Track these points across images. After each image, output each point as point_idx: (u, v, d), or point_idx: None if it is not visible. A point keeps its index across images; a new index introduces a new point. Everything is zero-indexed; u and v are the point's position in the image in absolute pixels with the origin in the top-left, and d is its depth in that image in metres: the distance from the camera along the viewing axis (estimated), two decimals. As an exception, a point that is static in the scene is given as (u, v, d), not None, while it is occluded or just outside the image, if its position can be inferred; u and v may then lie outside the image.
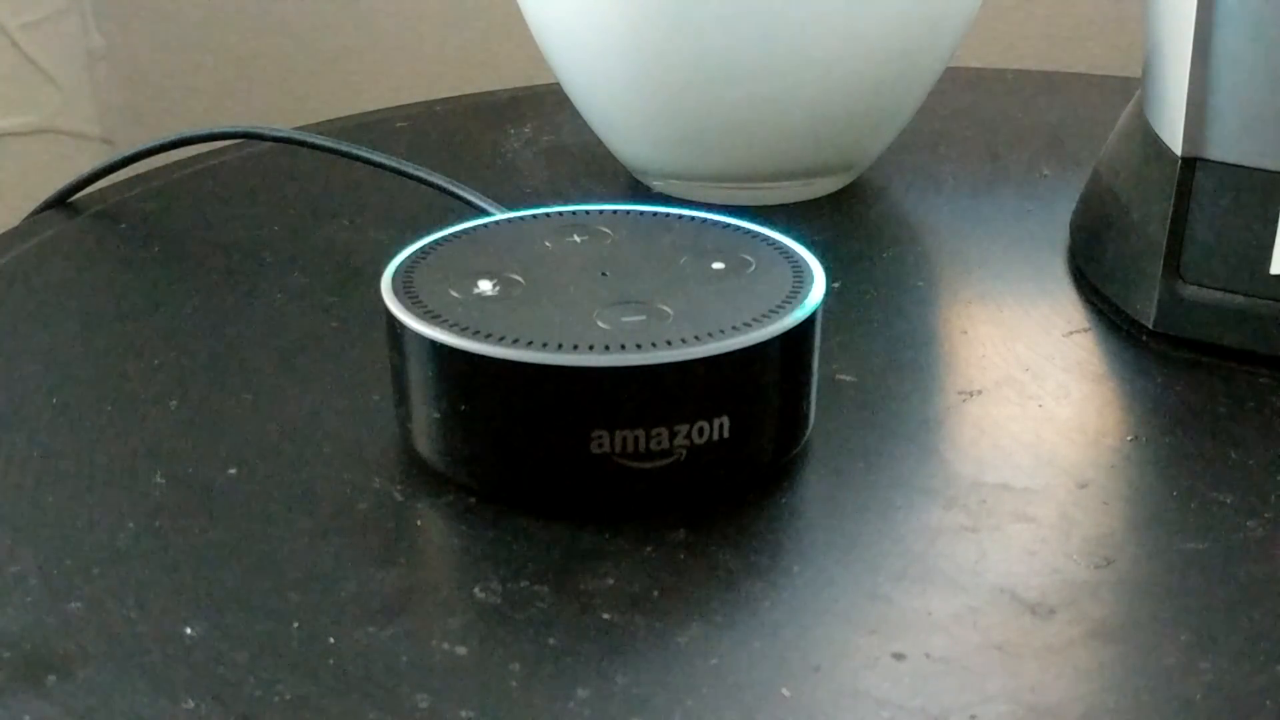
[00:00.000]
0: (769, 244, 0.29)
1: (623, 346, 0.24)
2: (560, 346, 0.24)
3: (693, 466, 0.25)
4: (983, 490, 0.27)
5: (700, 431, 0.25)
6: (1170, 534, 0.25)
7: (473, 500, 0.26)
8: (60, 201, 0.42)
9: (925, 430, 0.29)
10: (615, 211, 0.30)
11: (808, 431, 0.28)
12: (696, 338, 0.24)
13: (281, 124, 0.43)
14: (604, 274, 0.27)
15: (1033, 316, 0.34)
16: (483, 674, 0.21)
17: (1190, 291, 0.32)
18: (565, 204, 0.31)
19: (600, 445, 0.24)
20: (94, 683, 0.21)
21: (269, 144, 0.46)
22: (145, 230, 0.41)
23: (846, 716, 0.21)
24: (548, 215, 0.30)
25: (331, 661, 0.22)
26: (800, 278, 0.27)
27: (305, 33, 0.72)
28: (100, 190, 0.43)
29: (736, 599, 0.23)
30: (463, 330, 0.25)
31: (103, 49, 0.72)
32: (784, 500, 0.26)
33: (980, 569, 0.24)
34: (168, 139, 0.42)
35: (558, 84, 0.44)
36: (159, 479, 0.27)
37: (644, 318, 0.25)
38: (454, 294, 0.26)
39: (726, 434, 0.25)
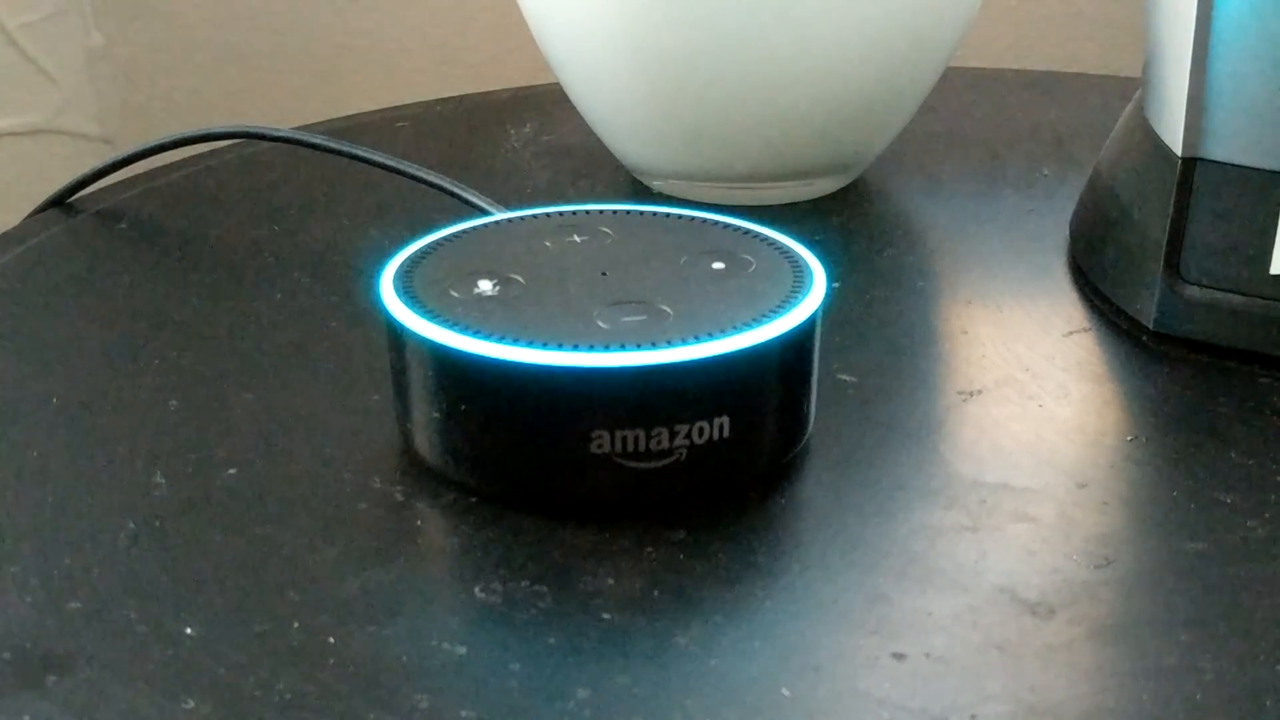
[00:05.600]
0: (769, 244, 0.29)
1: (623, 346, 0.24)
2: (560, 346, 0.24)
3: (693, 466, 0.25)
4: (983, 490, 0.27)
5: (700, 431, 0.25)
6: (1170, 534, 0.25)
7: (473, 500, 0.26)
8: (60, 201, 0.42)
9: (925, 430, 0.29)
10: (615, 211, 0.30)
11: (808, 431, 0.28)
12: (696, 338, 0.24)
13: (281, 124, 0.43)
14: (604, 274, 0.27)
15: (1033, 316, 0.34)
16: (483, 674, 0.21)
17: (1190, 291, 0.32)
18: (565, 204, 0.31)
19: (600, 445, 0.24)
20: (94, 683, 0.21)
21: (269, 144, 0.46)
22: (145, 230, 0.41)
23: (846, 716, 0.21)
24: (548, 215, 0.30)
25: (331, 661, 0.22)
26: (800, 278, 0.27)
27: (305, 33, 0.72)
28: (100, 190, 0.43)
29: (736, 599, 0.23)
30: (463, 330, 0.25)
31: (103, 49, 0.72)
32: (784, 500, 0.26)
33: (980, 569, 0.24)
34: (168, 139, 0.42)
35: (558, 84, 0.44)
36: (159, 479, 0.27)
37: (644, 318, 0.25)
38: (454, 294, 0.26)
39: (726, 434, 0.25)
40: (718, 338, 0.24)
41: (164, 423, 0.29)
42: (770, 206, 0.42)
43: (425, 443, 0.26)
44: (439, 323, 0.25)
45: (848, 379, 0.31)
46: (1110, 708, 0.21)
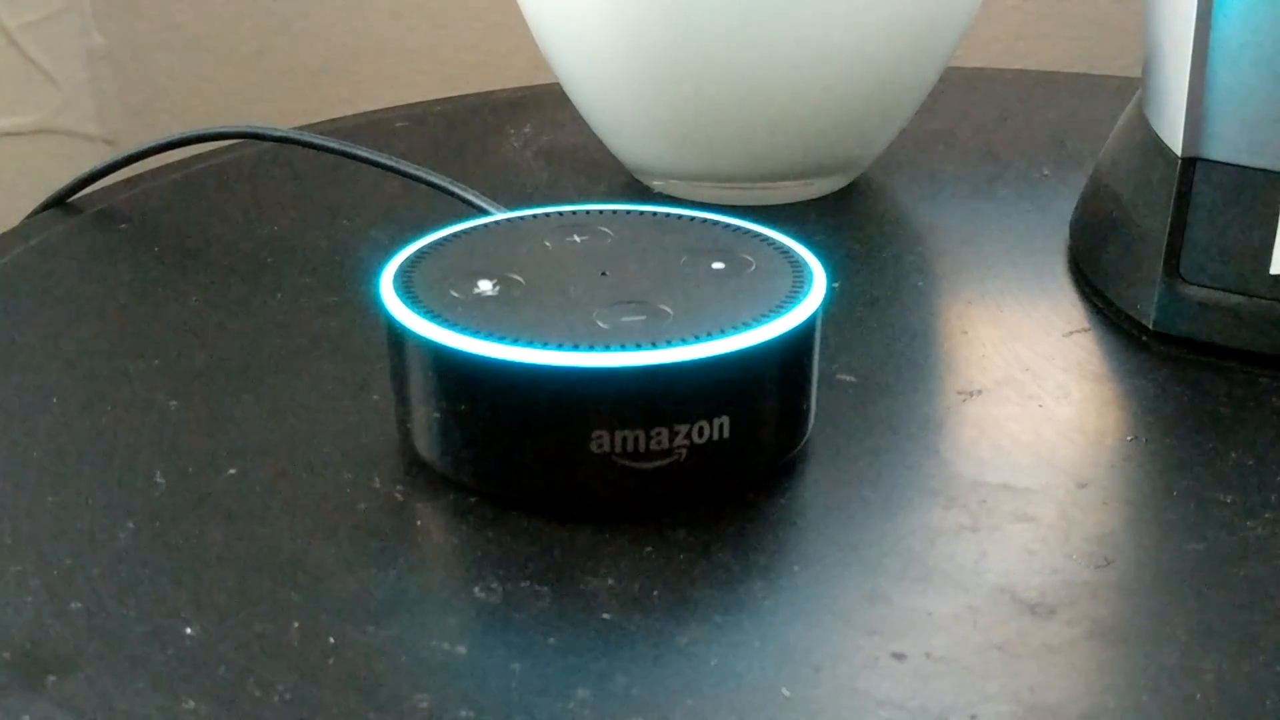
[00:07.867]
0: (769, 244, 0.29)
1: (623, 346, 0.24)
2: (560, 346, 0.24)
3: (693, 466, 0.25)
4: (983, 490, 0.27)
5: (700, 431, 0.25)
6: (1170, 534, 0.25)
7: (473, 500, 0.26)
8: (60, 201, 0.42)
9: (925, 430, 0.29)
10: (615, 211, 0.30)
11: (808, 431, 0.28)
12: (696, 338, 0.24)
13: (281, 124, 0.43)
14: (604, 274, 0.27)
15: (1033, 316, 0.34)
16: (483, 674, 0.21)
17: (1190, 291, 0.32)
18: (565, 204, 0.31)
19: (600, 445, 0.24)
20: (94, 683, 0.21)
21: (269, 144, 0.46)
22: (145, 230, 0.41)
23: (846, 716, 0.21)
24: (548, 215, 0.30)
25: (331, 661, 0.22)
26: (800, 278, 0.27)
27: (305, 33, 0.72)
28: (100, 190, 0.43)
29: (736, 599, 0.23)
30: (463, 330, 0.25)
31: (103, 49, 0.72)
32: (784, 500, 0.26)
33: (980, 569, 0.24)
34: (168, 139, 0.42)
35: (558, 84, 0.44)
36: (159, 479, 0.27)
37: (644, 318, 0.25)
38: (454, 294, 0.26)
39: (726, 434, 0.25)
40: (718, 338, 0.24)
41: (164, 423, 0.29)
42: (770, 206, 0.42)
43: (425, 443, 0.26)
44: (439, 323, 0.25)
45: (848, 379, 0.31)
46: (1110, 708, 0.21)
